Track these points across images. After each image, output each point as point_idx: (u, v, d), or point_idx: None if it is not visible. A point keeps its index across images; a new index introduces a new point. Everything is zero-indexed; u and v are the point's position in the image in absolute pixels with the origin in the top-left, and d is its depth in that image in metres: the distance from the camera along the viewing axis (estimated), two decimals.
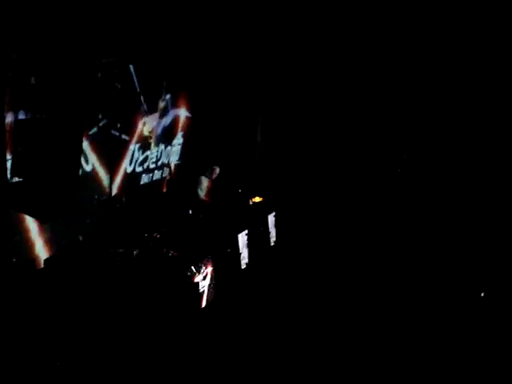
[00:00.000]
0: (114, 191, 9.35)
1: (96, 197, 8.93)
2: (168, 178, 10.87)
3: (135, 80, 9.65)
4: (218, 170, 10.41)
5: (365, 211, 11.96)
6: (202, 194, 10.20)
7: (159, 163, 10.75)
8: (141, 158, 10.07)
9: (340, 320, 8.17)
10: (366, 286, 9.17)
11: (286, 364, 7.09)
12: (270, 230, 10.49)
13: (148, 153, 10.26)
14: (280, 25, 10.98)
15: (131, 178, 9.86)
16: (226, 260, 8.91)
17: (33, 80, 6.95)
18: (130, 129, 9.67)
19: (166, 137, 10.86)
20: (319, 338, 7.71)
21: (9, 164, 6.74)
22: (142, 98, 9.93)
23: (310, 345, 7.53)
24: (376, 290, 9.03)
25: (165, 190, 10.98)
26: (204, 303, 8.14)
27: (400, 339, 7.59)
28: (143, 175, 10.28)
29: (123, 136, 9.48)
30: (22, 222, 7.45)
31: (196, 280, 7.90)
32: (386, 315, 8.29)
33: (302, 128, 12.85)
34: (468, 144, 11.99)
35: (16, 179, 6.73)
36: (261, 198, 11.02)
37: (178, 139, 11.34)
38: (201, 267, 8.01)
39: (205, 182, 10.23)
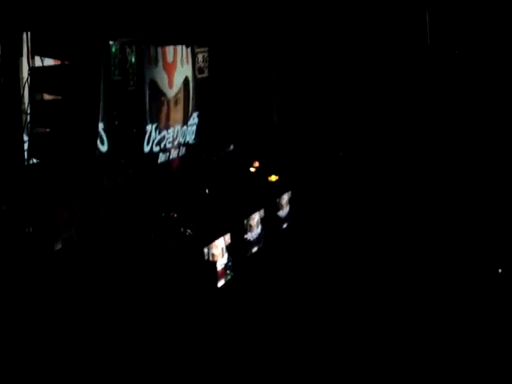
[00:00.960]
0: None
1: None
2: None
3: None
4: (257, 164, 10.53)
5: (380, 195, 11.89)
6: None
7: (175, 143, 10.78)
8: (158, 137, 10.11)
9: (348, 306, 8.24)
10: (376, 273, 9.18)
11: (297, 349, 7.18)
12: (285, 208, 10.53)
13: (164, 132, 10.29)
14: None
15: (149, 158, 9.90)
16: (242, 238, 8.97)
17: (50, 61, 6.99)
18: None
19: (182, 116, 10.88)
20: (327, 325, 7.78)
21: (26, 146, 6.81)
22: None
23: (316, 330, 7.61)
24: (383, 279, 9.05)
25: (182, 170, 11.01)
26: (221, 282, 8.21)
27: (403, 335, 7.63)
28: (160, 154, 10.32)
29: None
30: (40, 202, 7.52)
31: (213, 259, 7.97)
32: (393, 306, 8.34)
33: (318, 106, 12.80)
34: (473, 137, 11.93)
35: (33, 161, 6.80)
36: (277, 177, 11.04)
37: (194, 119, 11.35)
38: (218, 246, 8.08)
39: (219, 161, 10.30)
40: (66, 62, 6.90)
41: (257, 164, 11.18)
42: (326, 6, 11.71)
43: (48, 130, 6.79)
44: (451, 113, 12.12)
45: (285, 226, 10.53)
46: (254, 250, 9.44)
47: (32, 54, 6.80)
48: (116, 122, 8.65)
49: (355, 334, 7.56)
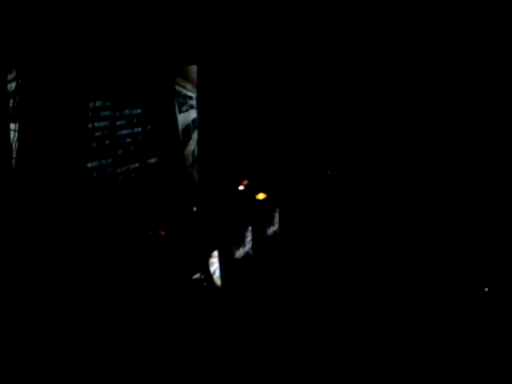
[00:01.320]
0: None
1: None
2: None
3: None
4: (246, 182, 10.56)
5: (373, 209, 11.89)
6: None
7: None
8: None
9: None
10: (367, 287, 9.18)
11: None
12: (274, 225, 10.51)
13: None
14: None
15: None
16: (231, 256, 8.92)
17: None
18: None
19: None
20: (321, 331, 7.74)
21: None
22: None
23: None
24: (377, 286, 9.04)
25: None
26: (211, 299, 8.13)
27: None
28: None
29: None
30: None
31: (200, 277, 7.91)
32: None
33: (304, 125, 12.82)
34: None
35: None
36: (264, 195, 11.03)
37: None
38: (207, 265, 8.01)
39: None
40: None
41: (246, 182, 11.17)
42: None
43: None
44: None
45: (274, 242, 10.51)
46: (244, 267, 9.41)
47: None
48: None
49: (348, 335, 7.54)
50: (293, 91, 12.49)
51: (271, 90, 12.45)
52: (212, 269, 8.11)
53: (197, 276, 7.86)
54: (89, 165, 8.29)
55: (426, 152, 11.90)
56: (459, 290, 8.83)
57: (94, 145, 8.42)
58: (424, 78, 11.77)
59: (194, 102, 11.17)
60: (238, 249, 9.07)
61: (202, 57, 11.04)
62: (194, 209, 9.47)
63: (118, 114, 8.95)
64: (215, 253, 8.23)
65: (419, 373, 6.79)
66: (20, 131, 6.84)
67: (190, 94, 11.03)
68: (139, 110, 9.51)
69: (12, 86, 6.78)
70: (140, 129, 9.55)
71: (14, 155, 6.80)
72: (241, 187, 11.18)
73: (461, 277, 9.19)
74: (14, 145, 6.81)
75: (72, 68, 7.65)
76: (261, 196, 11.06)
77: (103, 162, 8.64)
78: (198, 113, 11.22)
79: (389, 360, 7.04)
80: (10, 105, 6.69)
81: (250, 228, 9.44)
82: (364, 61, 12.12)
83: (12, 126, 6.78)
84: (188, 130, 11.04)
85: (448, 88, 11.63)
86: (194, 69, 11.06)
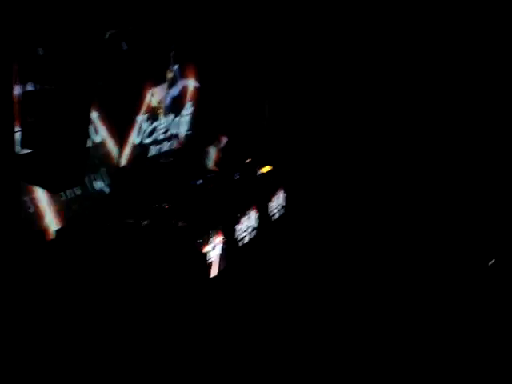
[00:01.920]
0: (123, 162, 9.38)
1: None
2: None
3: (141, 51, 9.58)
4: (224, 140, 10.40)
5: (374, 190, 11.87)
6: (209, 164, 10.23)
7: (168, 134, 10.74)
8: (149, 129, 10.06)
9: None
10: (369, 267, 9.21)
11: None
12: (279, 200, 10.53)
13: (156, 124, 10.24)
14: None
15: (140, 150, 9.86)
16: (235, 231, 8.96)
17: (40, 51, 6.95)
18: (137, 100, 9.65)
19: (175, 107, 10.82)
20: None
21: (18, 136, 6.77)
22: (149, 68, 9.87)
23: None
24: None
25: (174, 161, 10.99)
26: (214, 273, 8.20)
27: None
28: (151, 147, 10.28)
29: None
30: (32, 192, 7.50)
31: (205, 250, 7.96)
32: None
33: (310, 97, 12.78)
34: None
35: (25, 151, 6.76)
36: (269, 168, 11.04)
37: (187, 110, 11.30)
38: (210, 238, 8.05)
39: (212, 152, 10.25)
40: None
41: (248, 160, 11.20)
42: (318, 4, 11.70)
43: (39, 119, 6.77)
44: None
45: (278, 216, 10.54)
46: (246, 240, 9.44)
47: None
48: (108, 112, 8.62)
49: (349, 327, 7.58)
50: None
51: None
52: (213, 245, 8.16)
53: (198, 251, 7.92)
54: None
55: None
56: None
57: None
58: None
59: None
60: (242, 224, 9.12)
61: None
62: (200, 182, 9.49)
63: None
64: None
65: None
66: None
67: None
68: None
69: None
70: None
71: None
72: (247, 160, 11.18)
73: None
74: None
75: None
76: (266, 169, 11.08)
77: None
78: None
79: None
80: None
81: (254, 203, 9.46)
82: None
83: None
84: None
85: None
86: None
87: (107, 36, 8.50)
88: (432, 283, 8.74)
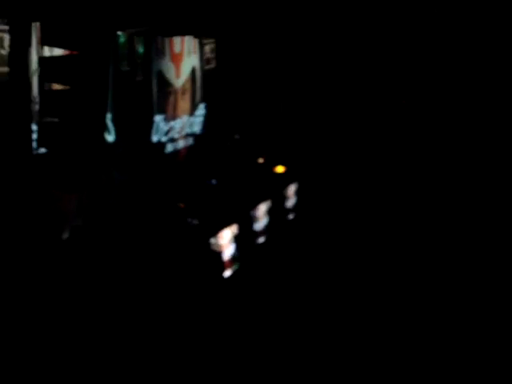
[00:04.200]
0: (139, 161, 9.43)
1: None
2: None
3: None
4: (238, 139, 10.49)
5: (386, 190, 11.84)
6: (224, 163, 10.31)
7: (183, 133, 10.81)
8: (165, 128, 10.14)
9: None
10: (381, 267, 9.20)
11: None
12: (292, 199, 10.56)
13: (172, 123, 10.32)
14: None
15: (157, 148, 9.93)
16: (249, 229, 9.00)
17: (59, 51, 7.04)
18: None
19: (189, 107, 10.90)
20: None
21: (35, 135, 6.84)
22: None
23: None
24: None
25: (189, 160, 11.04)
26: (228, 272, 8.23)
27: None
28: (168, 144, 10.35)
29: None
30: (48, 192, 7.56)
31: (219, 249, 8.00)
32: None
33: (324, 99, 12.80)
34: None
35: (42, 150, 6.83)
36: (283, 168, 11.06)
37: (201, 110, 11.37)
38: (224, 237, 8.10)
39: (226, 152, 10.33)
40: (75, 53, 6.95)
41: (262, 160, 11.23)
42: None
43: (57, 119, 6.84)
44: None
45: (291, 216, 10.56)
46: (261, 240, 9.47)
47: (41, 44, 6.84)
48: (124, 113, 8.66)
49: (359, 328, 7.59)
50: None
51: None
52: (226, 241, 8.20)
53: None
54: None
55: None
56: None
57: None
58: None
59: None
60: (255, 223, 9.16)
61: None
62: (214, 182, 9.54)
63: None
64: (222, 232, 8.26)
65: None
66: None
67: None
68: None
69: None
70: None
71: None
72: (260, 160, 11.21)
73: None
74: None
75: None
76: (280, 169, 11.10)
77: None
78: None
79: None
80: None
81: (268, 203, 9.50)
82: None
83: None
84: None
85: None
86: None
87: (123, 35, 8.59)
88: (444, 284, 8.73)
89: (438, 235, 10.18)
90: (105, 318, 6.60)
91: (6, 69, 6.52)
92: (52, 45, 6.96)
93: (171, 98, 10.27)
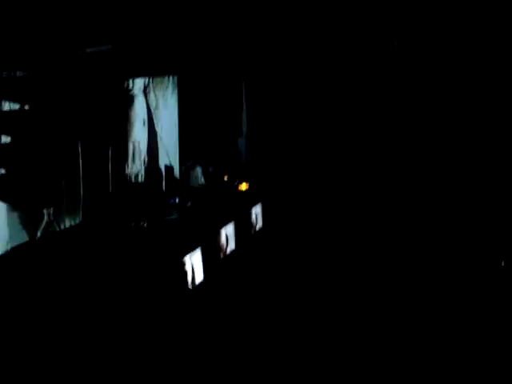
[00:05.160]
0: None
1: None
2: None
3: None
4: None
5: (357, 200, 11.90)
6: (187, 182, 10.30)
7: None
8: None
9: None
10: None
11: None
12: (257, 217, 10.58)
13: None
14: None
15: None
16: (214, 249, 8.97)
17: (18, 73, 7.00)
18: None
19: None
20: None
21: None
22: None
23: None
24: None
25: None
26: (194, 284, 8.20)
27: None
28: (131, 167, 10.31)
29: None
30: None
31: (185, 263, 7.97)
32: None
33: (289, 115, 12.86)
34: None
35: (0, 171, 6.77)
36: (247, 185, 11.08)
37: None
38: (190, 252, 8.06)
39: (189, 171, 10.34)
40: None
41: (226, 178, 11.25)
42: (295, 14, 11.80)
43: (14, 140, 6.80)
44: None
45: (257, 230, 10.60)
46: (227, 252, 9.45)
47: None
48: None
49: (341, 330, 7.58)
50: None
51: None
52: (189, 266, 8.16)
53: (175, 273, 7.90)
54: None
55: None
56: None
57: None
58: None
59: None
60: (222, 245, 9.14)
61: None
62: (177, 200, 9.51)
63: None
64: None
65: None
66: None
67: None
68: None
69: None
70: None
71: None
72: (225, 178, 11.23)
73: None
74: None
75: None
76: (244, 187, 11.12)
77: None
78: None
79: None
80: None
81: (233, 222, 9.49)
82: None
83: None
84: None
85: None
86: None
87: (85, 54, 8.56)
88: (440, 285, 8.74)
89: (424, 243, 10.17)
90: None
91: None
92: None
93: None
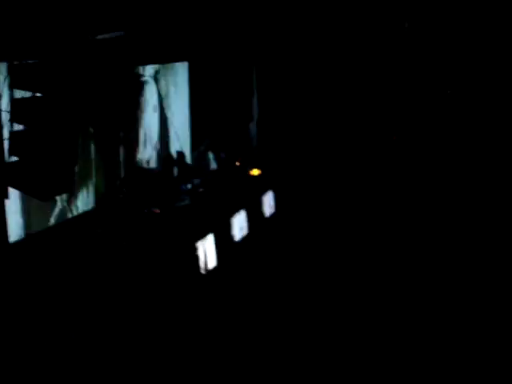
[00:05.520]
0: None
1: None
2: None
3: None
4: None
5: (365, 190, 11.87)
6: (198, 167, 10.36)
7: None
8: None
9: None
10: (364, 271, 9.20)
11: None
12: (269, 203, 10.62)
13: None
14: None
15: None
16: (225, 234, 9.04)
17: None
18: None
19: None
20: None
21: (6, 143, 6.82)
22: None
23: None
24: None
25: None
26: (207, 270, 8.26)
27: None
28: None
29: None
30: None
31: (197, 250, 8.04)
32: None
33: (300, 101, 12.86)
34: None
35: (14, 158, 6.81)
36: (259, 171, 11.11)
37: None
38: (202, 242, 8.13)
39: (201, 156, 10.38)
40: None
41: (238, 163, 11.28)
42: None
43: (27, 127, 6.83)
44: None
45: (268, 216, 10.64)
46: (238, 239, 9.50)
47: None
48: None
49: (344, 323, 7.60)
50: None
51: None
52: (202, 252, 8.22)
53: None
54: None
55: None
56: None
57: None
58: None
59: None
60: (234, 230, 9.21)
61: None
62: (189, 186, 9.56)
63: None
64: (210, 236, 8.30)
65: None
66: None
67: None
68: None
69: None
70: None
71: None
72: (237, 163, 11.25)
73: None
74: None
75: None
76: (255, 172, 11.14)
77: None
78: None
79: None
80: None
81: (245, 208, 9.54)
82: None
83: None
84: None
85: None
86: None
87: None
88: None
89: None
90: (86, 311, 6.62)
91: None
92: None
93: None
